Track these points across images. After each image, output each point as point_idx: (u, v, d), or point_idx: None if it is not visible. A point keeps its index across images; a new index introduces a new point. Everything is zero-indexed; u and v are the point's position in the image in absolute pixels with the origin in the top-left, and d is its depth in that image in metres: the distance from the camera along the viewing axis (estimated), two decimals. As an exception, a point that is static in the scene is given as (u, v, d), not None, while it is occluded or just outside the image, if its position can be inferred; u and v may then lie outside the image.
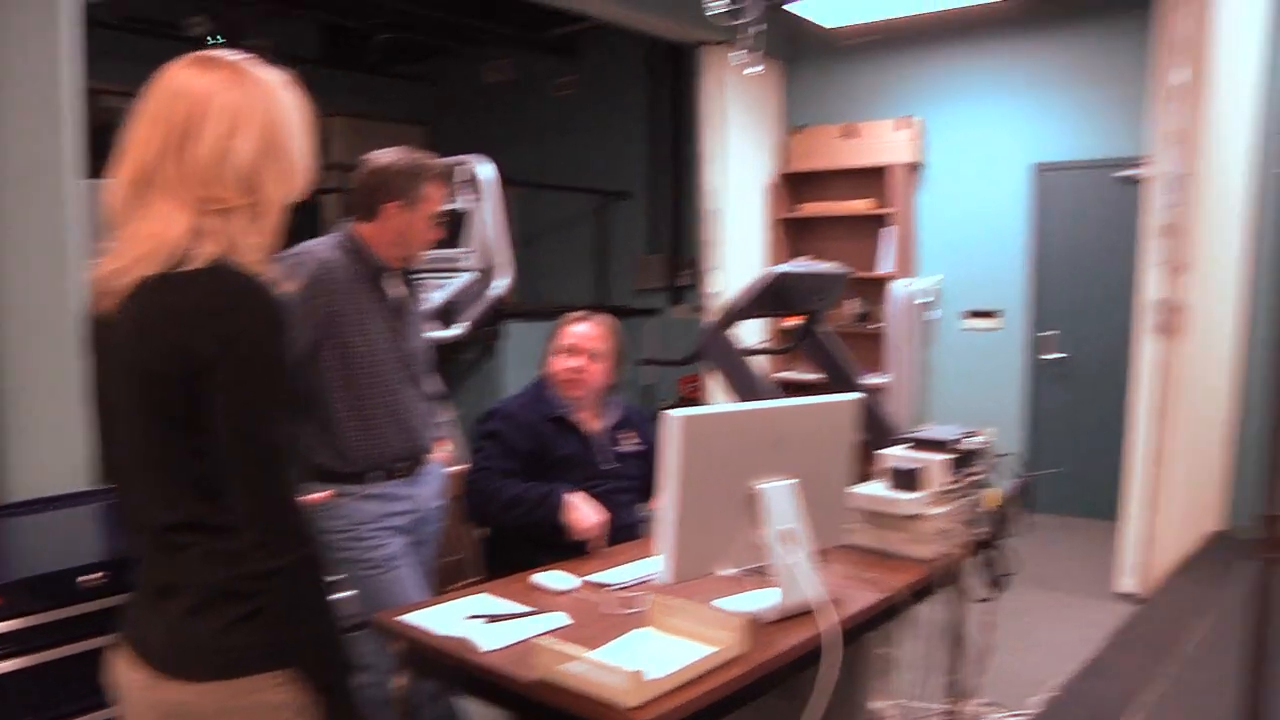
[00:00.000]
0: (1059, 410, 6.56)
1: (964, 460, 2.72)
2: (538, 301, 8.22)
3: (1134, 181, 5.46)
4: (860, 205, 6.99)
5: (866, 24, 6.57)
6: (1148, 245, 4.82)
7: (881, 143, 6.97)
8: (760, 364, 6.80)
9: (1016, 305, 6.67)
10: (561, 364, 3.07)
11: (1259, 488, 5.91)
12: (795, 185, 7.41)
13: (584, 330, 3.10)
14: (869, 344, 6.86)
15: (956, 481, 2.69)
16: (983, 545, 2.83)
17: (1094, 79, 6.32)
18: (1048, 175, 6.52)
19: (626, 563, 2.61)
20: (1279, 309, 1.85)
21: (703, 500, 2.10)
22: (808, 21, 6.39)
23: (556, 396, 3.08)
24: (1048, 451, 6.55)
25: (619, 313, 8.29)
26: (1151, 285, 4.79)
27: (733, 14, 5.30)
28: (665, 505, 2.06)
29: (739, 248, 7.05)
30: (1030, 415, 6.65)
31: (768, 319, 6.55)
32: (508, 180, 6.29)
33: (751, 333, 6.56)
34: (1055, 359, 6.53)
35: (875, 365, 6.73)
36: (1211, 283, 5.36)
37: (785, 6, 6.00)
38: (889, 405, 6.62)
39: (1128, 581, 4.98)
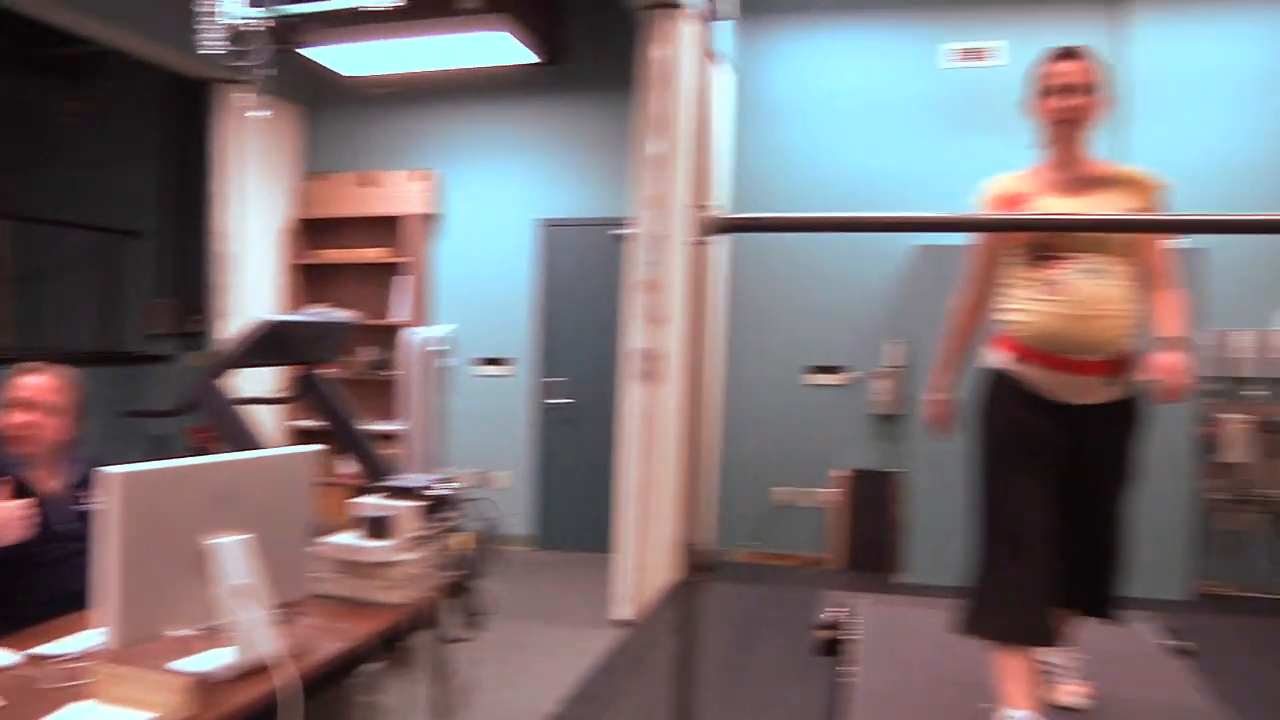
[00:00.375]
0: (566, 452, 6.96)
1: (435, 506, 2.82)
2: (36, 346, 7.48)
3: (623, 239, 5.95)
4: (376, 253, 7.05)
5: (385, 75, 6.66)
6: (631, 298, 5.27)
7: (398, 193, 7.08)
8: (270, 413, 6.62)
9: (525, 353, 7.01)
10: (11, 419, 2.83)
11: (727, 518, 6.66)
12: (313, 231, 7.32)
13: (37, 382, 2.86)
14: (384, 391, 6.90)
15: (428, 527, 2.78)
16: (458, 587, 2.94)
17: (592, 144, 6.86)
18: (552, 231, 6.95)
19: (79, 631, 2.44)
20: (694, 364, 2.13)
21: (149, 560, 2.03)
22: (327, 68, 6.37)
23: (5, 455, 2.83)
24: (557, 492, 6.94)
25: (129, 359, 7.76)
26: (635, 335, 5.22)
27: (236, 54, 5.15)
28: (106, 567, 1.97)
29: (254, 293, 6.84)
30: (540, 457, 7.00)
31: (275, 367, 6.38)
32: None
33: (261, 381, 6.37)
34: (561, 404, 6.93)
35: (390, 412, 6.79)
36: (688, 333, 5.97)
37: (301, 51, 5.92)
38: (404, 452, 6.68)
39: (621, 609, 5.34)
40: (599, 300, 6.67)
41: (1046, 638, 2.65)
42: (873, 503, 6.39)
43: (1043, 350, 2.63)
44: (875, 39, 6.59)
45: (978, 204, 2.81)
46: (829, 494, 6.52)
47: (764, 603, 5.28)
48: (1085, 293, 2.57)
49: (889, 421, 6.48)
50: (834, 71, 6.60)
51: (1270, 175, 6.03)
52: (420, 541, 2.76)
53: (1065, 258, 2.60)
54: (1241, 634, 5.04)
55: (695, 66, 5.50)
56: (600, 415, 6.59)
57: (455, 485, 2.92)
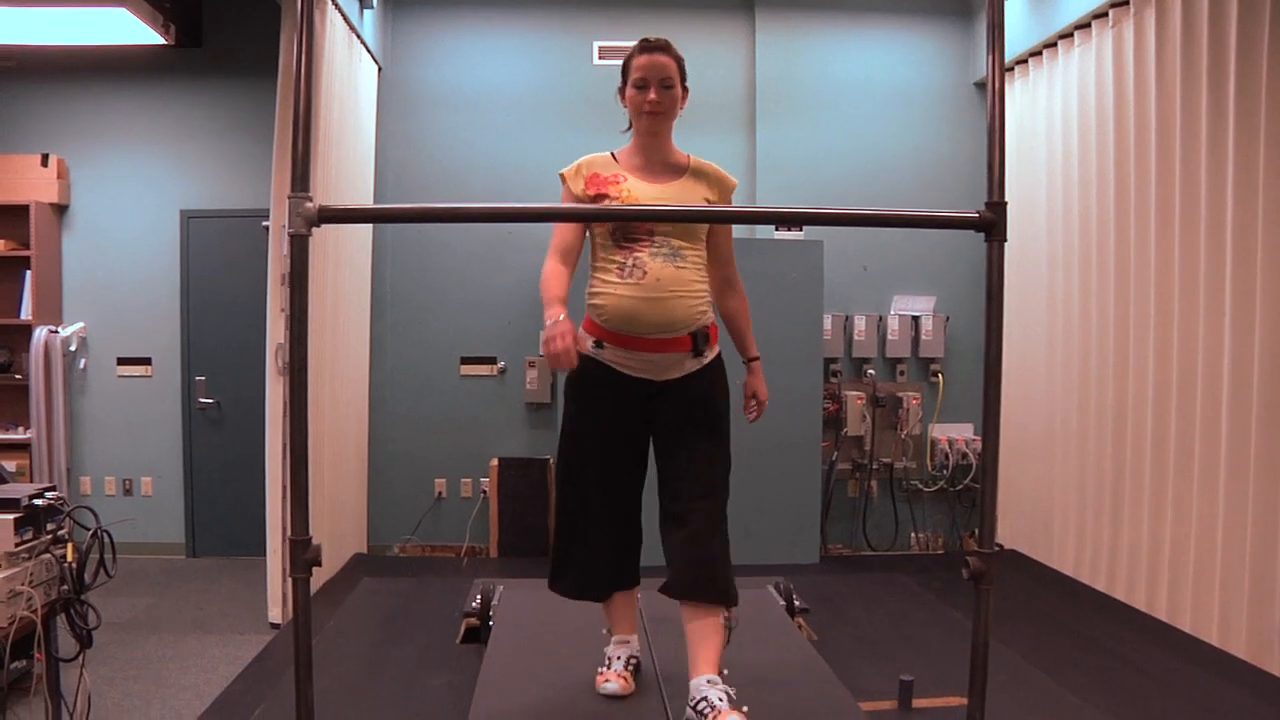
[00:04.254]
0: (214, 454, 6.66)
1: (34, 518, 2.65)
2: None
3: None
4: (-2, 246, 6.42)
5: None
6: (274, 293, 5.12)
7: (21, 179, 6.47)
8: None
9: (171, 352, 6.65)
10: None
11: (387, 512, 6.62)
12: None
13: None
14: (9, 396, 6.36)
15: (27, 541, 2.62)
16: (67, 602, 2.79)
17: (238, 132, 6.58)
18: (197, 222, 6.62)
19: None
20: (298, 360, 2.11)
21: None
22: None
23: None
24: (207, 495, 6.64)
25: None
26: (278, 331, 5.08)
27: None
28: None
29: None
30: (188, 460, 6.67)
31: None
32: None
33: None
34: (208, 403, 6.64)
35: (16, 418, 6.29)
36: (347, 328, 5.90)
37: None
38: (32, 460, 6.21)
39: (279, 612, 5.20)
40: (246, 295, 6.37)
41: (612, 589, 3.02)
42: (524, 489, 6.53)
43: (623, 333, 2.78)
44: (526, 35, 6.73)
45: (570, 175, 2.90)
46: (486, 483, 6.60)
47: (417, 595, 5.28)
48: (662, 274, 2.75)
49: (540, 409, 6.67)
50: (485, 66, 6.68)
51: (874, 173, 6.68)
52: (19, 557, 2.59)
53: (645, 240, 2.77)
54: (855, 588, 5.57)
55: (331, 54, 5.43)
56: (249, 414, 6.32)
57: (56, 495, 2.75)
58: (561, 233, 2.93)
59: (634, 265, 2.74)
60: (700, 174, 2.92)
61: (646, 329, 2.76)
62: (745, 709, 2.68)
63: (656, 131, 2.86)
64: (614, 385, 2.83)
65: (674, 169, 2.91)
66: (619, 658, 3.04)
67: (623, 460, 2.89)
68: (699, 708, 2.69)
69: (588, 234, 2.92)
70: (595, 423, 2.87)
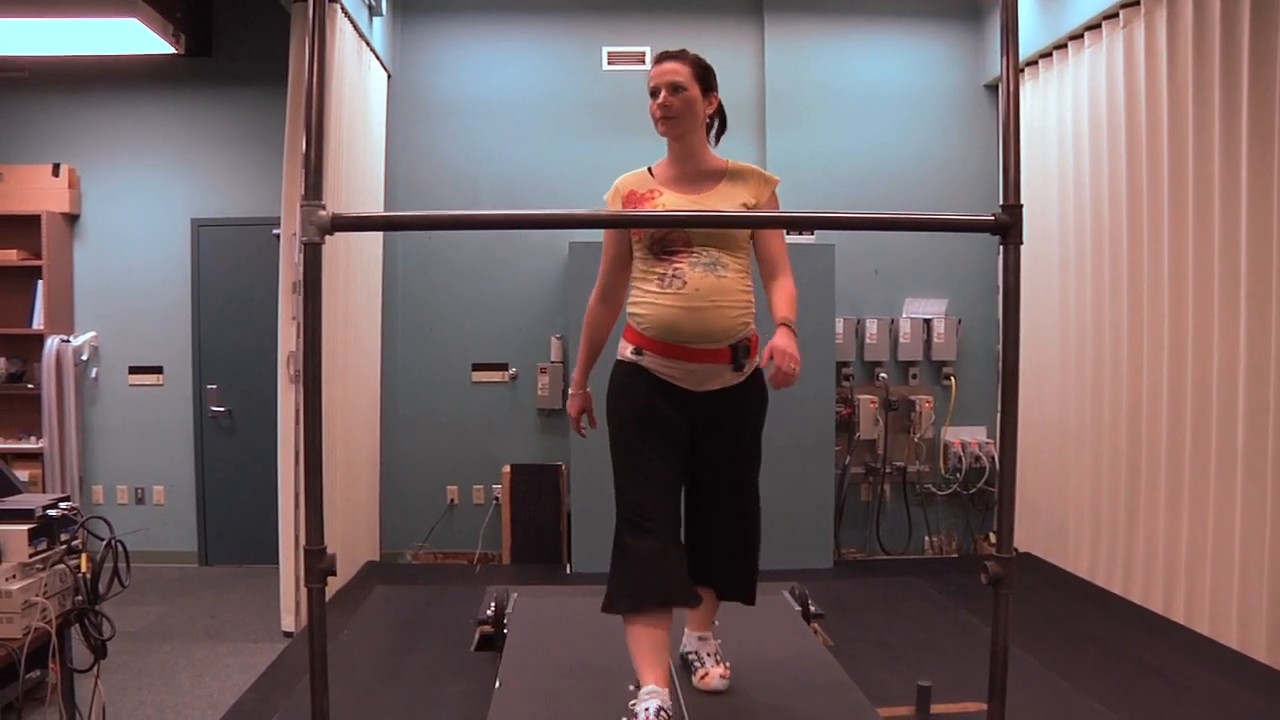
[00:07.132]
0: (227, 462, 6.67)
1: (49, 529, 2.65)
2: None
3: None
4: (8, 255, 6.43)
5: (7, 58, 6.16)
6: (285, 301, 5.11)
7: (32, 189, 6.50)
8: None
9: (182, 360, 6.67)
10: None
11: (398, 519, 6.59)
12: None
13: None
14: (22, 405, 6.37)
15: (42, 551, 2.61)
16: (81, 613, 2.78)
17: (249, 141, 6.61)
18: (207, 231, 6.63)
19: None
20: (311, 369, 2.11)
21: None
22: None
23: None
24: (219, 504, 6.65)
25: None
26: (289, 339, 5.07)
27: None
28: None
29: None
30: (200, 469, 6.68)
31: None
32: None
33: None
34: (220, 412, 6.65)
35: (29, 428, 6.30)
36: (358, 334, 5.89)
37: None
38: (45, 470, 6.22)
39: (291, 620, 5.19)
40: (257, 303, 6.38)
41: (670, 600, 2.77)
42: (537, 496, 6.50)
43: (663, 341, 2.78)
44: (535, 41, 6.71)
45: (610, 200, 2.94)
46: (498, 490, 6.58)
47: (430, 602, 5.26)
48: (701, 284, 2.73)
49: (551, 415, 6.65)
50: (494, 72, 6.67)
51: (884, 176, 6.66)
52: (34, 568, 2.59)
53: (683, 251, 2.76)
54: (870, 593, 5.54)
55: (341, 62, 5.43)
56: (261, 422, 6.34)
57: (70, 506, 2.74)
58: (604, 269, 3.01)
59: (674, 275, 2.75)
60: (738, 177, 2.90)
61: (687, 338, 2.76)
62: (728, 664, 3.17)
63: (677, 136, 2.85)
64: (654, 381, 2.84)
65: (711, 176, 2.89)
66: (647, 709, 2.66)
67: (665, 464, 2.83)
68: (688, 658, 3.23)
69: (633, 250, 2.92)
70: (641, 406, 2.84)
